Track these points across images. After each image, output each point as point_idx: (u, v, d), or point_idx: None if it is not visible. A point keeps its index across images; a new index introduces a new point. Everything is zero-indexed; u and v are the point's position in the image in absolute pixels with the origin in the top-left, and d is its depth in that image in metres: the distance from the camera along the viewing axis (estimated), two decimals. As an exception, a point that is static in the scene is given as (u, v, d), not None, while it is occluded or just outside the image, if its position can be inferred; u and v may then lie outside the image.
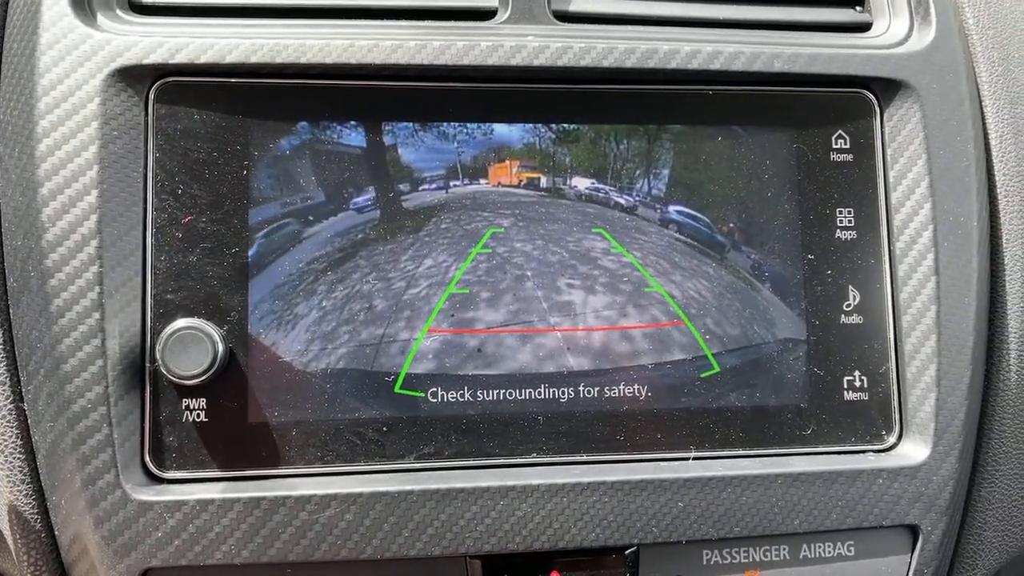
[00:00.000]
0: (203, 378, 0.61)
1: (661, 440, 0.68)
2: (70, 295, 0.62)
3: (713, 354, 0.69)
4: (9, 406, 0.63)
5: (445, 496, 0.63)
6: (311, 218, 0.66)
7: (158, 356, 0.61)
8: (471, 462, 0.66)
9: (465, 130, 0.69)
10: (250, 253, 0.65)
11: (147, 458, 0.63)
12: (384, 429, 0.65)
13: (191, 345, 0.61)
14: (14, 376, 0.63)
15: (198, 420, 0.63)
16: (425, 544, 0.63)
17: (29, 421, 0.63)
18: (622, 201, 0.70)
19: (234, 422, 0.64)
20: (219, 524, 0.61)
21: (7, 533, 0.66)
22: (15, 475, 0.63)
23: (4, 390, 0.63)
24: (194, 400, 0.64)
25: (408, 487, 0.63)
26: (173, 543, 0.61)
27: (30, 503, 0.63)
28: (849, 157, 0.73)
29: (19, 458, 0.63)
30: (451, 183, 0.68)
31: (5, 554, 0.74)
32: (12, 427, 0.63)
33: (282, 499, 0.62)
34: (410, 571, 0.64)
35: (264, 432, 0.64)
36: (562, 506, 0.64)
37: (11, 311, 0.63)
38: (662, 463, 0.67)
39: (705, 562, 0.67)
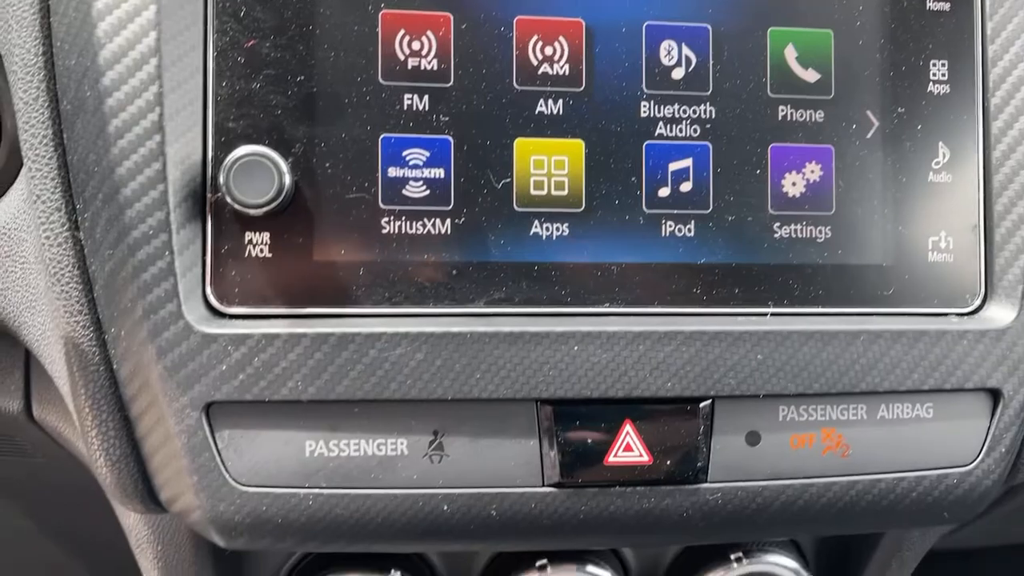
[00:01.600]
0: (268, 207, 0.58)
1: (739, 295, 0.65)
2: (129, 116, 0.58)
3: (795, 209, 0.66)
4: (65, 234, 0.60)
5: (517, 339, 0.61)
6: (380, 49, 0.63)
7: (221, 183, 0.58)
8: (543, 309, 0.64)
9: None
10: (316, 82, 0.61)
11: (208, 291, 0.60)
12: (454, 272, 0.63)
13: (256, 173, 0.57)
14: (69, 203, 0.60)
15: (261, 255, 0.61)
16: (496, 387, 0.61)
17: (86, 250, 0.60)
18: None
19: (298, 259, 0.61)
20: (285, 359, 0.59)
21: (63, 369, 0.64)
22: (72, 306, 0.60)
23: (59, 217, 0.60)
24: (257, 234, 0.61)
25: (480, 328, 0.61)
26: (238, 377, 0.59)
27: (88, 335, 0.60)
28: (946, 6, 0.68)
29: (76, 288, 0.60)
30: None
31: (56, 409, 0.73)
32: (68, 255, 0.60)
33: (351, 336, 0.60)
34: (479, 414, 0.62)
35: (329, 270, 0.62)
36: (637, 354, 0.62)
37: (65, 135, 0.60)
38: (740, 317, 0.65)
39: (781, 418, 0.65)
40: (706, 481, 0.64)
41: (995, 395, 0.67)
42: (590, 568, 0.82)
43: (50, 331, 0.64)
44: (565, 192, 0.64)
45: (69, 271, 0.60)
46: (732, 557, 0.85)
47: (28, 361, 0.74)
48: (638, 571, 0.87)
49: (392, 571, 0.80)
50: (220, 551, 0.78)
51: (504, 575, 0.82)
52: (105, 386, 0.61)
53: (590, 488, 0.63)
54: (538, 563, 0.82)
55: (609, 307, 0.64)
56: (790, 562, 0.85)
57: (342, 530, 0.62)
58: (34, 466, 0.93)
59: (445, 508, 0.62)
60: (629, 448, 0.63)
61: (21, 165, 0.64)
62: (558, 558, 0.82)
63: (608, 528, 0.64)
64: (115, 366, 0.61)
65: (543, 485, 0.63)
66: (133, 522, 0.76)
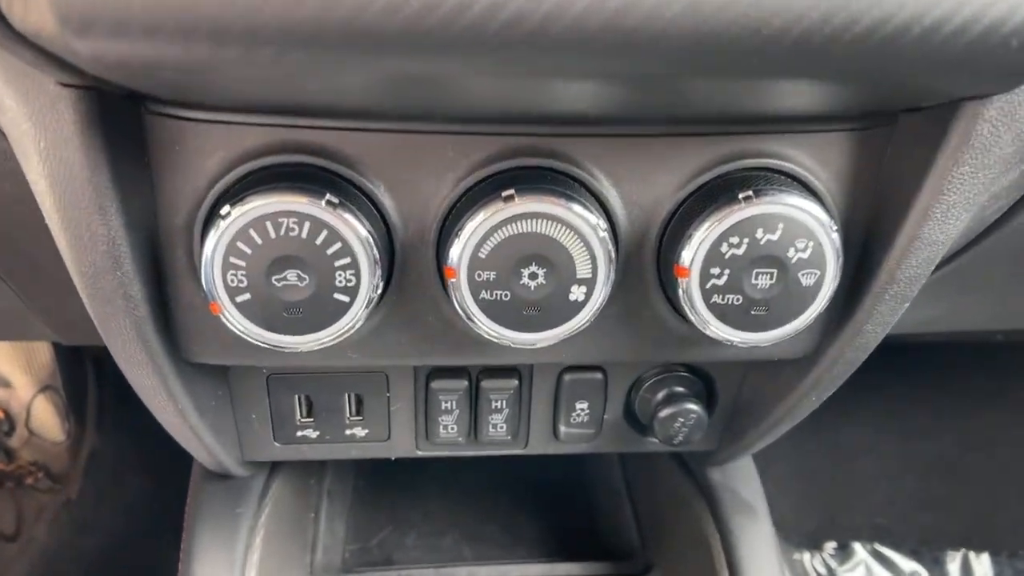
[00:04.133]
0: None
1: None
2: None
3: None
4: None
5: None
6: None
7: None
8: None
9: None
10: None
11: None
12: None
13: None
14: None
15: None
16: None
17: None
18: None
19: None
20: None
21: None
22: None
23: None
24: None
25: None
26: None
27: None
28: None
29: None
30: None
31: None
32: None
33: None
34: None
35: None
36: None
37: None
38: None
39: None
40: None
41: None
42: (559, 200, 0.68)
43: None
44: None
45: None
46: (740, 196, 0.70)
47: None
48: (627, 218, 0.73)
49: (327, 194, 0.67)
50: (129, 150, 0.66)
51: (464, 212, 0.69)
52: None
53: None
54: (504, 193, 0.69)
55: None
56: (812, 206, 0.70)
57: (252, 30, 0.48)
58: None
59: None
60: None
61: None
62: (525, 190, 0.68)
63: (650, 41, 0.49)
64: None
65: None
66: (14, 120, 0.63)
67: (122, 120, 0.66)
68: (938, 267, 0.79)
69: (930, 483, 1.97)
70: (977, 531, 1.94)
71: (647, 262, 0.75)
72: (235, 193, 0.67)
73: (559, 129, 0.70)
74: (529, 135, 0.70)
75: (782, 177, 0.72)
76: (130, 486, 1.82)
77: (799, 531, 1.89)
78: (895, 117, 0.73)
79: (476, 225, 0.68)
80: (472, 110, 0.67)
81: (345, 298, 0.69)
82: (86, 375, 1.82)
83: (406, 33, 0.49)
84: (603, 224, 0.69)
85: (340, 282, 0.68)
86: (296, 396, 0.92)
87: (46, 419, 1.80)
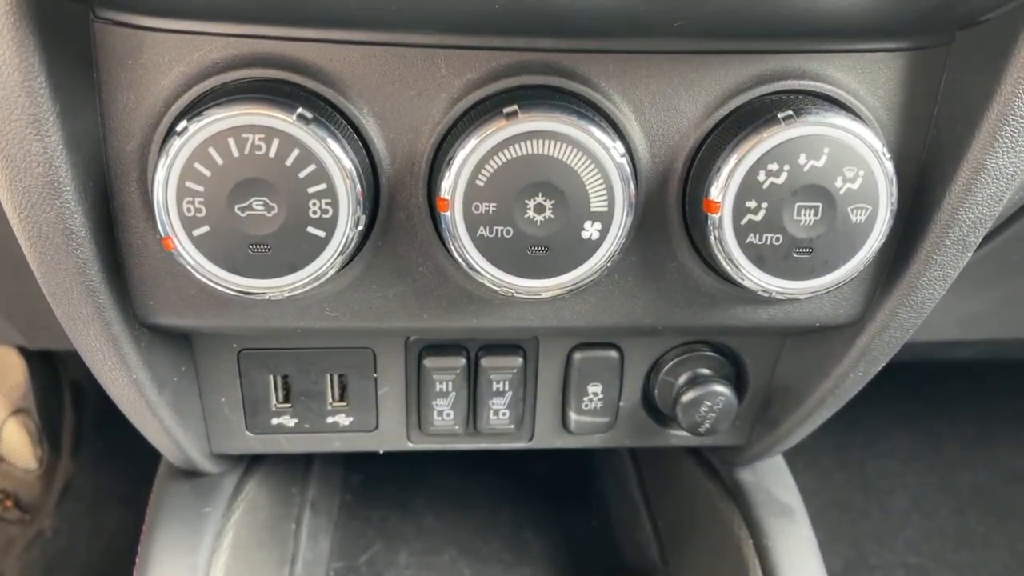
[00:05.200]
0: None
1: None
2: None
3: None
4: None
5: None
6: None
7: None
8: None
9: None
10: None
11: None
12: None
13: None
14: None
15: None
16: None
17: None
18: None
19: None
20: None
21: None
22: None
23: None
24: None
25: None
26: None
27: None
28: None
29: None
30: None
31: None
32: None
33: None
34: None
35: None
36: None
37: None
38: None
39: None
40: None
41: None
42: (570, 117, 0.58)
43: None
44: None
45: None
46: (780, 116, 0.61)
47: None
48: (647, 147, 0.64)
49: (299, 108, 0.57)
50: (75, 64, 0.58)
51: (459, 137, 0.60)
52: None
53: None
54: (506, 110, 0.59)
55: None
56: (861, 128, 0.60)
57: None
58: None
59: None
60: None
61: None
62: (530, 106, 0.59)
63: None
64: None
65: None
66: None
67: (66, 23, 0.57)
68: (984, 242, 0.69)
69: (967, 518, 1.84)
70: (1018, 569, 1.81)
71: (671, 201, 0.65)
72: (193, 108, 0.58)
73: (569, 43, 0.61)
74: (534, 50, 0.61)
75: (825, 102, 0.63)
76: (108, 519, 1.70)
77: (827, 569, 1.76)
78: (952, 35, 0.64)
79: (473, 146, 0.58)
80: (468, 15, 0.58)
81: (320, 232, 0.59)
82: (62, 399, 1.71)
83: None
84: (620, 148, 0.59)
85: (314, 212, 0.59)
86: (271, 377, 0.82)
87: (17, 444, 1.68)
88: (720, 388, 0.81)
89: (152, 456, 0.86)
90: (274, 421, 0.83)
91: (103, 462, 1.74)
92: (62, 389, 1.72)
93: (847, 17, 0.59)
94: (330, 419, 0.84)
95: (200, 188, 0.58)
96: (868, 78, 0.64)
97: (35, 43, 0.54)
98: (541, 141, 0.58)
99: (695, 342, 0.84)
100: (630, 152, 0.62)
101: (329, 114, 0.60)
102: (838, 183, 0.61)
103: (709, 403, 0.81)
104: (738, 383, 0.86)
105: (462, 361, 0.81)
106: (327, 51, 0.60)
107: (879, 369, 0.78)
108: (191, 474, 0.89)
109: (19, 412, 1.67)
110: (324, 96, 0.61)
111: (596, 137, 0.59)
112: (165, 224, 0.58)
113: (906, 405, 1.92)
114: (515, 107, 0.58)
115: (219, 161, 0.57)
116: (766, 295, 0.64)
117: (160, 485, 0.87)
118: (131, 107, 0.60)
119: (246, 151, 0.57)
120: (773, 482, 0.90)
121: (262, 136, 0.57)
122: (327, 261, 0.60)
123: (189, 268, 0.60)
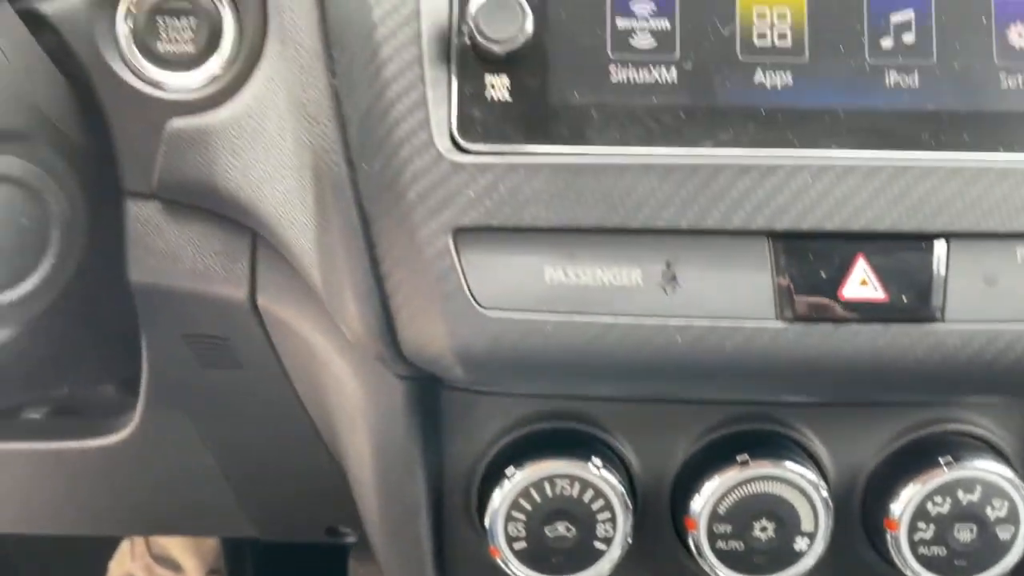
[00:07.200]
0: (512, 47, 0.62)
1: (967, 141, 0.65)
2: None
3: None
4: (323, 79, 0.65)
5: (750, 170, 0.62)
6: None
7: (470, 19, 0.61)
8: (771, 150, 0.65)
9: None
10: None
11: (454, 129, 0.64)
12: (681, 115, 0.65)
13: (503, 10, 0.61)
14: (327, 50, 0.65)
15: (501, 97, 0.64)
16: (729, 217, 0.62)
17: (340, 93, 0.65)
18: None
19: (534, 100, 0.64)
20: (526, 186, 0.62)
21: (298, 237, 0.68)
22: (328, 144, 0.65)
23: (319, 64, 0.65)
24: (497, 77, 0.64)
25: (710, 159, 0.62)
26: (484, 203, 0.62)
27: (341, 171, 0.65)
28: None
29: (331, 127, 0.65)
30: None
31: (280, 295, 0.77)
32: (325, 98, 0.65)
33: (588, 167, 0.62)
34: (711, 244, 0.63)
35: (564, 111, 0.65)
36: (872, 187, 0.62)
37: None
38: (974, 154, 0.64)
39: (1020, 259, 0.63)
40: (943, 320, 0.63)
41: None
42: (788, 464, 0.81)
43: (293, 192, 0.69)
44: (788, 43, 0.66)
45: (326, 112, 0.65)
46: (942, 462, 0.82)
47: (255, 249, 0.80)
48: (836, 476, 0.85)
49: (592, 458, 0.80)
50: (431, 421, 0.81)
51: (701, 474, 0.82)
52: (355, 222, 0.65)
53: (824, 323, 0.62)
54: (739, 458, 0.81)
55: (836, 148, 0.65)
56: (1005, 470, 0.81)
57: (576, 363, 0.63)
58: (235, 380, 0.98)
59: (678, 340, 0.63)
60: (864, 283, 0.62)
61: (262, 45, 0.70)
62: (758, 454, 0.81)
63: (840, 371, 0.63)
64: (364, 203, 0.65)
65: (777, 318, 0.63)
66: (348, 394, 0.79)
67: (430, 398, 0.82)
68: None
69: None
70: None
71: (854, 515, 0.86)
72: (514, 455, 0.81)
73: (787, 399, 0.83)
74: (751, 403, 0.84)
75: (974, 441, 0.84)
76: None
77: None
78: None
79: (716, 486, 0.81)
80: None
81: (603, 546, 0.81)
82: (245, 561, 1.92)
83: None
84: (823, 484, 0.81)
85: (600, 532, 0.81)
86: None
87: (210, 604, 1.90)
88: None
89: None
90: None
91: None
92: (245, 552, 1.94)
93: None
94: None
95: (522, 516, 0.80)
96: (1005, 422, 0.84)
97: (418, 421, 0.79)
98: (766, 483, 0.80)
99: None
100: (825, 479, 0.84)
101: (607, 455, 0.83)
102: (988, 511, 0.81)
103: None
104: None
105: None
106: (604, 407, 0.83)
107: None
108: None
109: (213, 573, 1.90)
110: (601, 439, 0.84)
111: (807, 477, 0.80)
112: (494, 540, 0.81)
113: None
114: (746, 456, 0.81)
115: (537, 498, 0.80)
116: None
117: None
118: (464, 449, 0.84)
119: (557, 491, 0.80)
120: None
121: (568, 481, 0.80)
122: (608, 564, 0.82)
123: (507, 571, 0.82)
